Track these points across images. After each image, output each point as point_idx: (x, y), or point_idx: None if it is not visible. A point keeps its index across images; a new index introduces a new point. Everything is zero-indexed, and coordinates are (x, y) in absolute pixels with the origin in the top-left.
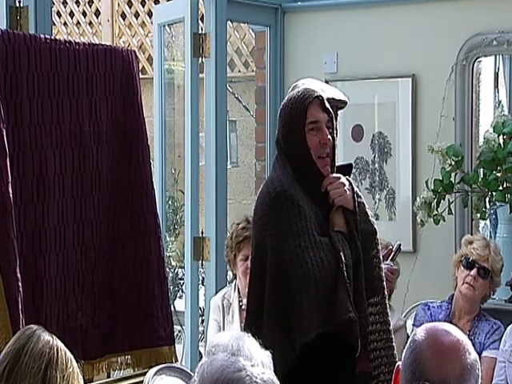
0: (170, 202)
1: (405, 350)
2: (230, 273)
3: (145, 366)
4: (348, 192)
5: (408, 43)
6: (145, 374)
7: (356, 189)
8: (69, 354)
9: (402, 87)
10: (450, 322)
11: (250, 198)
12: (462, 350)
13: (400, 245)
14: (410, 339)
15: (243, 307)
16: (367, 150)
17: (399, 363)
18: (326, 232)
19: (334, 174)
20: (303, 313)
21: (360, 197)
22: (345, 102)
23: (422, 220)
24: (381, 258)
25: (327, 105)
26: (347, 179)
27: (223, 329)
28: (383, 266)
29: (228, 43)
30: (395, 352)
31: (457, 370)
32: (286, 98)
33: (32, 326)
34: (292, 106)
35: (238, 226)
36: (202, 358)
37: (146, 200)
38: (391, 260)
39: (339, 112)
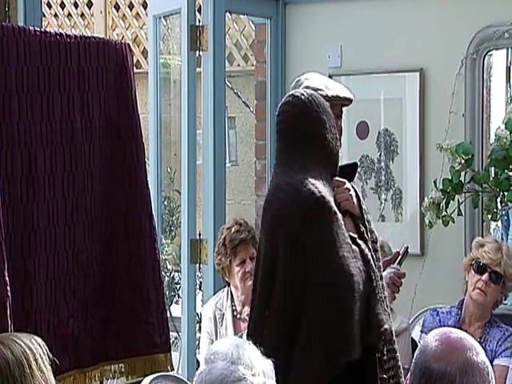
0: (165, 203)
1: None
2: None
3: (139, 374)
4: (353, 197)
5: (416, 36)
6: (139, 382)
7: (360, 195)
8: (20, 358)
9: (409, 82)
10: (460, 329)
11: (249, 199)
12: (469, 346)
13: (407, 248)
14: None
15: (238, 316)
16: (372, 147)
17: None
18: (353, 240)
19: (338, 178)
20: (353, 327)
21: (363, 204)
22: (350, 100)
23: (430, 221)
24: (381, 266)
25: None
26: (352, 186)
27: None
28: (390, 270)
29: (227, 36)
30: (401, 370)
31: (459, 361)
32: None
33: None
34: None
35: (230, 230)
36: (199, 366)
37: (140, 200)
38: (398, 264)
39: (343, 109)
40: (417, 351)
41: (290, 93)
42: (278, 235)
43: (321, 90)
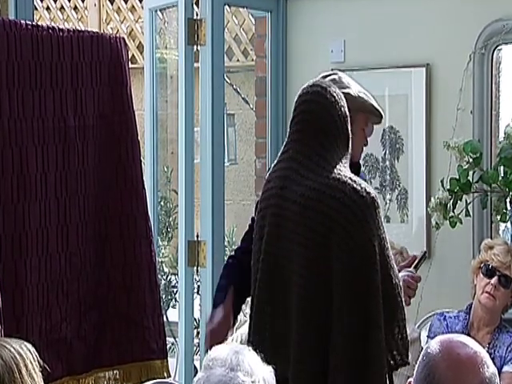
0: (162, 203)
1: (417, 364)
2: None
3: (134, 381)
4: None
5: (422, 30)
6: None
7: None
8: (10, 363)
9: (415, 78)
10: (468, 334)
11: (249, 199)
12: (480, 363)
13: (426, 252)
14: (422, 352)
15: None
16: (377, 146)
17: (411, 379)
18: None
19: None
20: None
21: None
22: (381, 116)
23: (436, 222)
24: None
25: None
26: None
27: None
28: (404, 273)
29: (225, 30)
30: None
31: None
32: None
33: None
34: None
35: None
36: (196, 372)
37: (136, 201)
38: (414, 268)
39: None
40: (422, 369)
41: (316, 83)
42: (329, 232)
43: (361, 97)
